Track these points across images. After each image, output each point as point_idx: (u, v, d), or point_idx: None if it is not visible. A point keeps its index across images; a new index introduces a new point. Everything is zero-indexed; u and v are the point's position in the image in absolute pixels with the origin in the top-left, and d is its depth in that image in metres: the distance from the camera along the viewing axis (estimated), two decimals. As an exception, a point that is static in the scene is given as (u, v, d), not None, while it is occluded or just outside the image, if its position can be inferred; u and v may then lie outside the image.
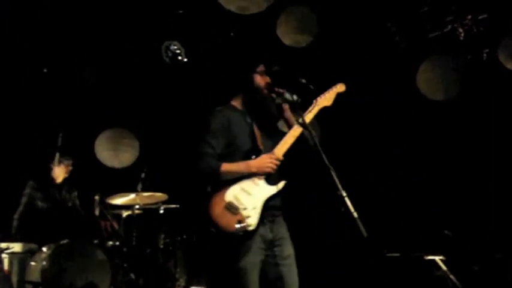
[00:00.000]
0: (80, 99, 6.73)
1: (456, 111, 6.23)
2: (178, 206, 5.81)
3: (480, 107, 6.16)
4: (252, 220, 3.28)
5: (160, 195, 5.65)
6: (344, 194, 3.03)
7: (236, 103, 3.58)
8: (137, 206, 5.63)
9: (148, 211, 5.78)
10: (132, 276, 5.55)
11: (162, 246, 5.65)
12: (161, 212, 5.72)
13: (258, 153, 3.41)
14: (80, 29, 6.18)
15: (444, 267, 4.86)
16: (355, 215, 2.96)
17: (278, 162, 3.36)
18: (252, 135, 3.48)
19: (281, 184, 3.39)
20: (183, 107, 6.95)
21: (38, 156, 6.12)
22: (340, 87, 3.66)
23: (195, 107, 7.09)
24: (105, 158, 6.81)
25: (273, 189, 3.37)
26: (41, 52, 6.31)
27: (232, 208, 3.28)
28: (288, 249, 3.45)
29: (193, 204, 6.58)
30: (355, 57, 6.39)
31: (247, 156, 3.40)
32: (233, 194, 3.32)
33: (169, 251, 5.75)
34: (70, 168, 5.88)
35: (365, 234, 2.91)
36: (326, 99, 3.58)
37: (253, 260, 3.33)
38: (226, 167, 3.33)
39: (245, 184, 3.34)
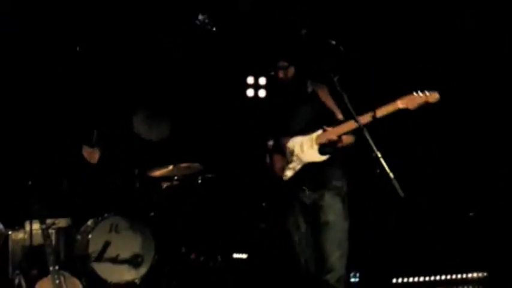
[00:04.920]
0: (114, 76, 6.78)
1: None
2: (214, 175, 5.86)
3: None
4: (288, 173, 3.55)
5: (197, 166, 5.69)
6: (379, 154, 2.99)
7: None
8: (176, 177, 5.70)
9: (187, 182, 5.84)
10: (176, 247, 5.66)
11: (201, 217, 5.72)
12: (199, 182, 5.78)
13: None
14: (110, 7, 6.22)
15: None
16: (391, 175, 2.92)
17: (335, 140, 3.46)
18: None
19: (324, 156, 3.49)
20: (214, 78, 6.96)
21: (73, 136, 6.18)
22: (432, 97, 3.32)
23: (228, 77, 7.11)
24: (142, 132, 6.89)
25: (317, 157, 3.48)
26: (73, 30, 6.37)
27: (286, 153, 3.58)
28: (325, 217, 3.53)
29: (229, 174, 6.66)
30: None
31: None
32: (293, 143, 3.57)
33: (209, 221, 5.80)
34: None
35: (402, 194, 2.87)
36: (410, 102, 3.32)
37: (293, 222, 3.62)
38: None
39: (306, 140, 3.52)
